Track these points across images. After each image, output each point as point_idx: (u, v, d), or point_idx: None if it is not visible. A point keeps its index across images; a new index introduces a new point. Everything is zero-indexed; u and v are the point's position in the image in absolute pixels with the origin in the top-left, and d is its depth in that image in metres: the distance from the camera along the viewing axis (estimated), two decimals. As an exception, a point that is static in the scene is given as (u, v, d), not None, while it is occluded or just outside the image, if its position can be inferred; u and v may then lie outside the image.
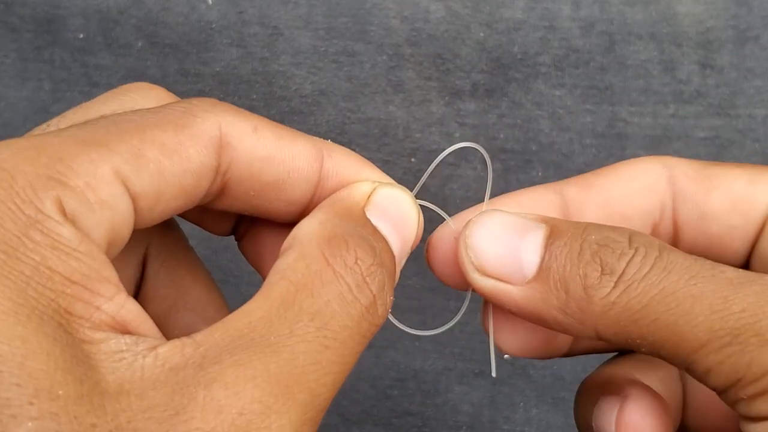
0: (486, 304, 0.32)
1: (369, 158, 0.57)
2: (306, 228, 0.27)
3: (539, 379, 0.57)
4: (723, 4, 0.52)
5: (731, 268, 0.26)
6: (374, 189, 0.30)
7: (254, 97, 0.54)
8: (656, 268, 0.26)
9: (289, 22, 0.54)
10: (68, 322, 0.22)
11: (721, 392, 0.25)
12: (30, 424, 0.20)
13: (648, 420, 0.30)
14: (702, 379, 0.25)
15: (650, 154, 0.32)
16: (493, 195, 0.34)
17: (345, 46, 0.54)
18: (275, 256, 0.32)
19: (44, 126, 0.28)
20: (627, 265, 0.26)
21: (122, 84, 0.57)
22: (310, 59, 0.54)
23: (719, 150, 0.53)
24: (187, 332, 0.32)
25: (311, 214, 0.28)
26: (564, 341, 0.33)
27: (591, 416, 0.31)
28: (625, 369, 0.32)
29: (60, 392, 0.20)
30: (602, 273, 0.26)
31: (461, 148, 0.34)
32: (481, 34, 0.53)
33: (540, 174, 0.54)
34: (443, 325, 0.34)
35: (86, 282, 0.22)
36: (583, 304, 0.27)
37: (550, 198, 0.31)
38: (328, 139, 0.31)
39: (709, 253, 0.31)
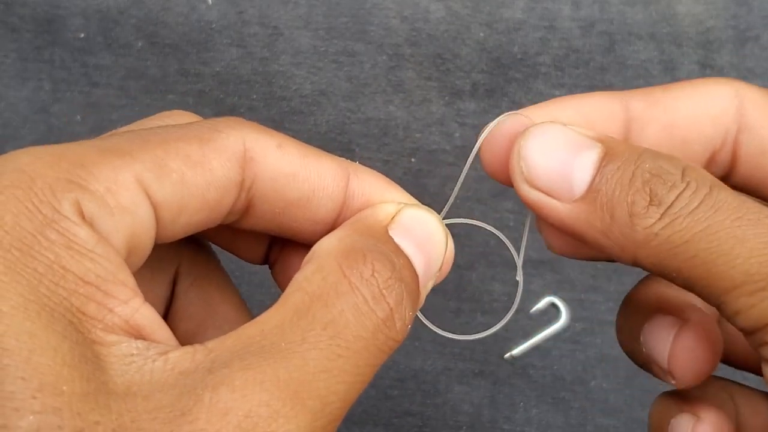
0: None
1: (369, 158, 0.57)
2: (325, 243, 0.27)
3: (539, 379, 0.57)
4: (723, 4, 0.52)
5: None
6: (399, 210, 0.30)
7: (254, 97, 0.54)
8: (704, 205, 0.26)
9: (289, 22, 0.54)
10: (80, 322, 0.22)
11: (747, 334, 0.26)
12: (32, 417, 0.20)
13: (704, 350, 0.30)
14: (730, 319, 0.26)
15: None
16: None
17: (345, 46, 0.54)
18: None
19: None
20: (677, 198, 0.26)
21: (122, 84, 0.57)
22: (310, 59, 0.54)
23: (719, 150, 0.54)
24: None
25: (333, 232, 0.28)
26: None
27: (639, 330, 0.31)
28: (679, 290, 0.31)
29: (64, 388, 0.20)
30: (650, 203, 0.26)
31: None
32: (481, 34, 0.53)
33: (540, 174, 0.54)
34: (454, 329, 0.34)
35: (100, 283, 0.22)
36: (626, 230, 0.26)
37: (615, 109, 0.31)
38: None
39: (763, 190, 0.31)
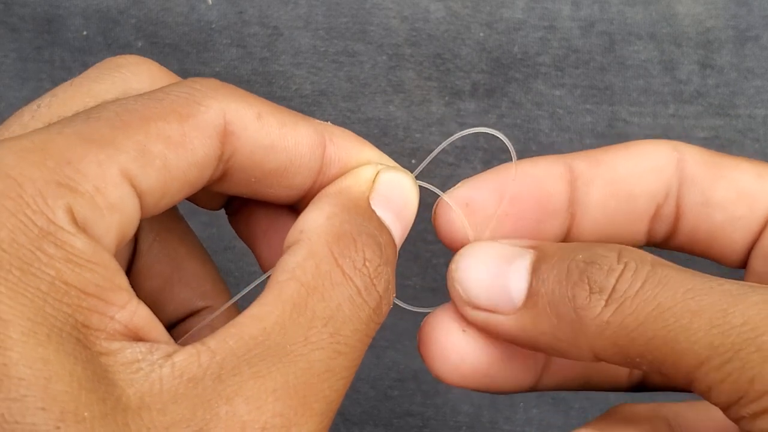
0: (423, 328, 0.31)
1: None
2: (313, 222, 0.27)
3: (539, 379, 0.57)
4: (723, 4, 0.52)
5: (728, 280, 0.25)
6: (377, 174, 0.30)
7: (254, 97, 0.54)
8: (649, 283, 0.25)
9: (289, 22, 0.54)
10: (85, 337, 0.21)
11: (724, 409, 0.25)
12: None
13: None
14: (704, 396, 0.25)
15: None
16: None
17: (345, 46, 0.54)
18: (268, 235, 0.32)
19: (34, 107, 0.27)
20: (617, 281, 0.25)
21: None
22: (310, 59, 0.54)
23: (719, 150, 0.53)
24: (183, 307, 0.32)
25: (316, 205, 0.28)
26: (522, 373, 0.31)
27: None
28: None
29: (86, 414, 0.20)
30: (591, 292, 0.26)
31: (484, 131, 0.33)
32: (481, 34, 0.53)
33: (540, 174, 0.54)
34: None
35: (100, 293, 0.22)
36: (576, 326, 0.26)
37: (559, 171, 0.31)
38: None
39: (710, 243, 0.30)
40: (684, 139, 0.53)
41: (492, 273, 0.28)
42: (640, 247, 0.31)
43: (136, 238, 0.31)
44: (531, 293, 0.27)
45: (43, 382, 0.20)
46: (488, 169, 0.33)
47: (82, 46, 0.55)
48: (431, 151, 0.55)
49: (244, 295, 0.30)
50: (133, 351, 0.22)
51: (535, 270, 0.27)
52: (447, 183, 0.56)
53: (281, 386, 0.22)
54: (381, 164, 0.30)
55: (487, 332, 0.29)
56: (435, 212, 0.32)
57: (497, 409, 0.57)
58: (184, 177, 0.26)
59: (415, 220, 0.33)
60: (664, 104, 0.53)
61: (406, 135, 0.54)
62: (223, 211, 0.34)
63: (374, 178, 0.30)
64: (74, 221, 0.22)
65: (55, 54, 0.55)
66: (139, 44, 0.55)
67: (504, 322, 0.28)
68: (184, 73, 0.55)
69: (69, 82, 0.28)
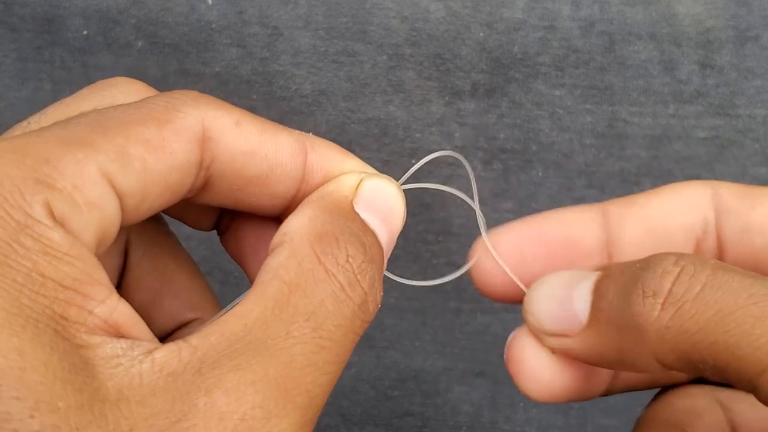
0: (511, 347, 0.31)
1: (369, 158, 0.57)
2: (295, 224, 0.27)
3: (539, 379, 0.57)
4: (723, 4, 0.52)
5: None
6: (361, 181, 0.30)
7: (254, 97, 0.54)
8: (709, 287, 0.25)
9: (289, 22, 0.54)
10: (64, 328, 0.22)
11: None
12: None
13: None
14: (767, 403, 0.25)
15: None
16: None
17: (345, 46, 0.54)
18: (257, 251, 0.32)
19: (24, 124, 0.28)
20: (673, 284, 0.25)
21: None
22: (310, 59, 0.54)
23: (719, 150, 0.53)
24: (173, 319, 0.32)
25: (299, 210, 0.28)
26: (599, 381, 0.32)
27: None
28: (674, 411, 0.31)
29: (60, 404, 0.20)
30: (644, 296, 0.25)
31: (447, 153, 0.34)
32: (481, 34, 0.53)
33: (540, 174, 0.54)
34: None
35: (78, 286, 0.22)
36: (636, 334, 0.26)
37: (590, 215, 0.31)
38: (330, 140, 0.31)
39: (754, 268, 0.30)
40: (684, 139, 0.53)
41: (559, 299, 0.29)
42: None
43: (125, 253, 0.31)
44: (593, 310, 0.27)
45: (18, 372, 0.20)
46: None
47: (82, 46, 0.55)
48: (431, 151, 0.55)
49: None
50: (113, 346, 0.22)
51: (597, 288, 0.28)
52: (447, 183, 0.56)
53: (261, 378, 0.22)
54: (365, 173, 0.30)
55: (567, 357, 0.29)
56: (473, 262, 0.32)
57: (497, 409, 0.57)
58: (165, 181, 0.26)
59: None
60: (664, 104, 0.53)
61: (406, 135, 0.54)
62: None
63: (358, 185, 0.30)
64: (52, 215, 0.22)
65: (55, 54, 0.55)
66: (139, 44, 0.55)
67: (574, 344, 0.28)
68: (184, 73, 0.55)
69: (60, 101, 0.29)
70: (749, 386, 0.25)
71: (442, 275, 0.32)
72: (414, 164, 0.33)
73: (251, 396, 0.22)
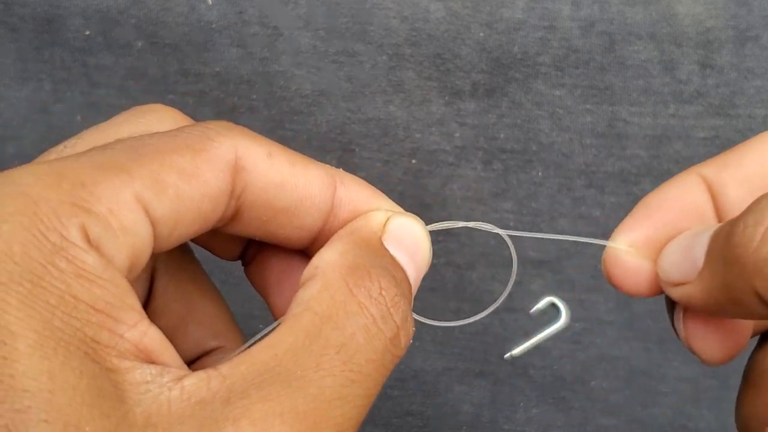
0: (677, 317, 0.31)
1: (369, 158, 0.57)
2: (327, 258, 0.27)
3: (539, 379, 0.57)
4: (723, 4, 0.52)
5: None
6: (389, 218, 0.30)
7: (254, 97, 0.54)
8: None
9: (289, 22, 0.54)
10: (95, 351, 0.22)
11: None
12: None
13: (715, 329, 0.30)
14: None
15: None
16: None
17: (345, 46, 0.54)
18: (281, 284, 0.32)
19: (60, 148, 0.28)
20: None
21: (122, 84, 0.57)
22: (310, 59, 0.54)
23: (719, 150, 0.53)
24: (196, 347, 0.32)
25: (330, 244, 0.28)
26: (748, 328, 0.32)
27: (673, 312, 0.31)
28: None
29: (87, 429, 0.20)
30: (745, 226, 0.25)
31: (485, 228, 0.33)
32: (481, 34, 0.53)
33: (540, 174, 0.54)
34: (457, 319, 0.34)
35: (110, 310, 0.22)
36: (738, 268, 0.25)
37: (695, 181, 0.31)
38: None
39: None
40: (684, 139, 0.53)
41: (683, 249, 0.29)
42: None
43: (152, 279, 0.32)
44: (708, 253, 0.28)
45: (47, 395, 0.20)
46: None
47: (82, 46, 0.55)
48: (431, 151, 0.55)
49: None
50: (143, 372, 0.22)
51: (714, 235, 0.28)
52: (447, 183, 0.56)
53: (289, 410, 0.22)
54: (392, 211, 0.30)
55: (688, 306, 0.30)
56: (606, 264, 0.32)
57: (497, 408, 0.57)
58: (197, 208, 0.26)
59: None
60: (664, 104, 0.53)
61: (406, 135, 0.54)
62: None
63: (386, 222, 0.30)
64: (87, 239, 0.22)
65: (55, 54, 0.55)
66: (139, 44, 0.55)
67: (693, 290, 0.28)
68: (184, 73, 0.55)
69: (96, 126, 0.29)
70: None
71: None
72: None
73: (278, 427, 0.22)
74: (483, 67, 0.53)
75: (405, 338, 0.27)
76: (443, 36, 0.53)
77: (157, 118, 0.29)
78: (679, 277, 0.29)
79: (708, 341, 0.30)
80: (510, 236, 0.32)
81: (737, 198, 0.31)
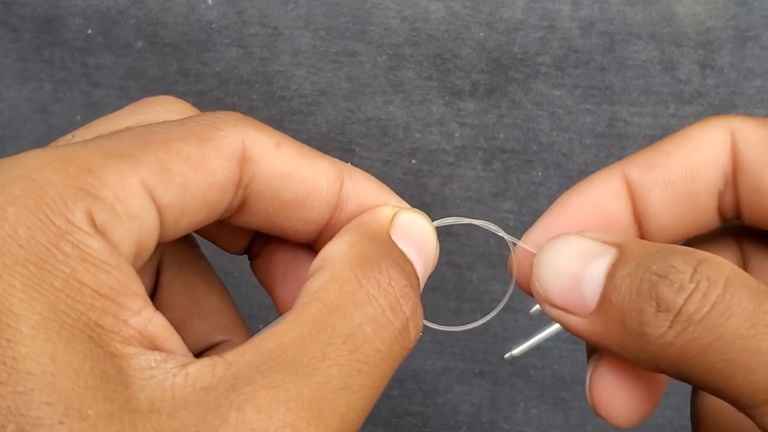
0: (593, 373, 0.30)
1: (369, 158, 0.57)
2: (336, 250, 0.27)
3: (539, 379, 0.57)
4: (723, 4, 0.52)
5: None
6: (396, 213, 0.30)
7: (254, 97, 0.54)
8: (715, 311, 0.24)
9: (289, 22, 0.54)
10: (99, 336, 0.22)
11: None
12: None
13: (620, 387, 0.29)
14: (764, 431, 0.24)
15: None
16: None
17: (345, 46, 0.54)
18: (287, 278, 0.32)
19: (69, 137, 0.28)
20: (685, 302, 0.25)
21: (122, 84, 0.57)
22: (310, 59, 0.54)
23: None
24: (202, 341, 0.32)
25: (338, 237, 0.28)
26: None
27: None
28: None
29: (90, 412, 0.20)
30: (658, 309, 0.25)
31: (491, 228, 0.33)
32: (481, 34, 0.53)
33: (540, 174, 0.54)
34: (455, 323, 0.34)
35: (114, 295, 0.22)
36: (640, 342, 0.25)
37: (617, 187, 0.30)
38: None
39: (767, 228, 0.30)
40: (684, 139, 0.53)
41: (569, 273, 0.28)
42: (716, 229, 0.31)
43: (158, 272, 0.32)
44: (603, 299, 0.27)
45: (50, 377, 0.20)
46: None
47: (82, 46, 0.55)
48: (431, 151, 0.55)
49: None
50: (147, 358, 0.22)
51: (611, 276, 0.27)
52: (447, 183, 0.56)
53: (294, 398, 0.22)
54: (399, 206, 0.30)
55: (565, 327, 0.29)
56: (513, 261, 0.31)
57: (497, 408, 0.57)
58: (204, 197, 0.26)
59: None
60: (664, 104, 0.53)
61: (406, 135, 0.54)
62: None
63: (393, 217, 0.30)
64: (92, 223, 0.22)
65: (55, 54, 0.55)
66: (139, 44, 0.55)
67: (577, 323, 0.28)
68: (184, 73, 0.55)
69: (105, 116, 0.29)
70: (746, 413, 0.25)
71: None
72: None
73: (283, 414, 0.22)
74: (483, 67, 0.53)
75: (414, 330, 0.27)
76: (443, 36, 0.53)
77: (166, 110, 0.29)
78: (562, 304, 0.28)
79: (619, 403, 0.29)
80: (511, 235, 0.32)
81: (659, 202, 0.30)
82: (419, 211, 0.31)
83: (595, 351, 0.30)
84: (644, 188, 0.30)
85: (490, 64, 0.53)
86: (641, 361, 0.26)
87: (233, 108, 0.55)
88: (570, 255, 0.28)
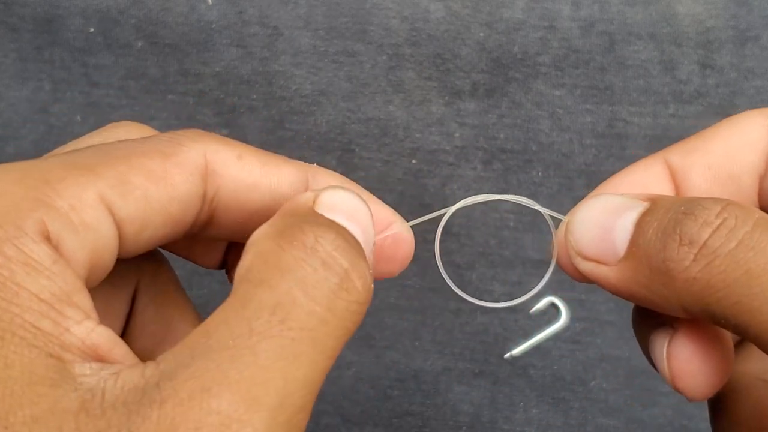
0: (658, 354, 0.30)
1: (369, 158, 0.57)
2: (258, 232, 0.26)
3: (539, 379, 0.57)
4: (723, 4, 0.52)
5: None
6: (321, 191, 0.28)
7: (254, 97, 0.54)
8: (743, 246, 0.24)
9: (289, 22, 0.54)
10: (35, 337, 0.22)
11: None
12: None
13: (702, 359, 0.28)
14: None
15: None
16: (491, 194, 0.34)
17: (345, 46, 0.54)
18: None
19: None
20: (710, 236, 0.25)
21: (122, 84, 0.58)
22: (310, 59, 0.54)
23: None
24: None
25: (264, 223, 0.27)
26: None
27: (646, 342, 0.30)
28: None
29: (10, 419, 0.20)
30: (680, 243, 0.25)
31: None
32: (481, 34, 0.53)
33: (540, 174, 0.54)
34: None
35: (54, 302, 0.22)
36: (665, 279, 0.25)
37: (658, 170, 0.30)
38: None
39: None
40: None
41: (601, 225, 0.28)
42: None
43: (132, 300, 0.32)
44: (632, 244, 0.27)
45: None
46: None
47: (82, 46, 0.55)
48: (431, 151, 0.55)
49: None
50: (82, 366, 0.22)
51: (640, 222, 0.27)
52: (447, 183, 0.56)
53: (218, 383, 0.21)
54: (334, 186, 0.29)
55: (595, 282, 0.29)
56: (554, 238, 0.31)
57: (497, 409, 0.57)
58: (166, 211, 0.26)
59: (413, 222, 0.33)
60: (664, 104, 0.53)
61: (406, 135, 0.54)
62: None
63: (317, 195, 0.28)
64: (42, 231, 0.23)
65: (55, 54, 0.55)
66: (139, 44, 0.55)
67: (608, 274, 0.28)
68: (184, 73, 0.55)
69: (73, 141, 0.30)
70: (766, 350, 0.24)
71: (442, 275, 0.32)
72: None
73: (206, 403, 0.21)
74: (483, 67, 0.53)
75: (360, 280, 0.24)
76: (443, 36, 0.53)
77: (126, 131, 0.30)
78: (594, 255, 0.28)
79: (695, 376, 0.29)
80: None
81: (701, 184, 0.30)
82: (347, 187, 0.29)
83: (658, 327, 0.29)
84: (685, 171, 0.30)
85: (490, 64, 0.53)
86: (668, 303, 0.26)
87: (233, 108, 0.55)
88: (603, 209, 0.29)
